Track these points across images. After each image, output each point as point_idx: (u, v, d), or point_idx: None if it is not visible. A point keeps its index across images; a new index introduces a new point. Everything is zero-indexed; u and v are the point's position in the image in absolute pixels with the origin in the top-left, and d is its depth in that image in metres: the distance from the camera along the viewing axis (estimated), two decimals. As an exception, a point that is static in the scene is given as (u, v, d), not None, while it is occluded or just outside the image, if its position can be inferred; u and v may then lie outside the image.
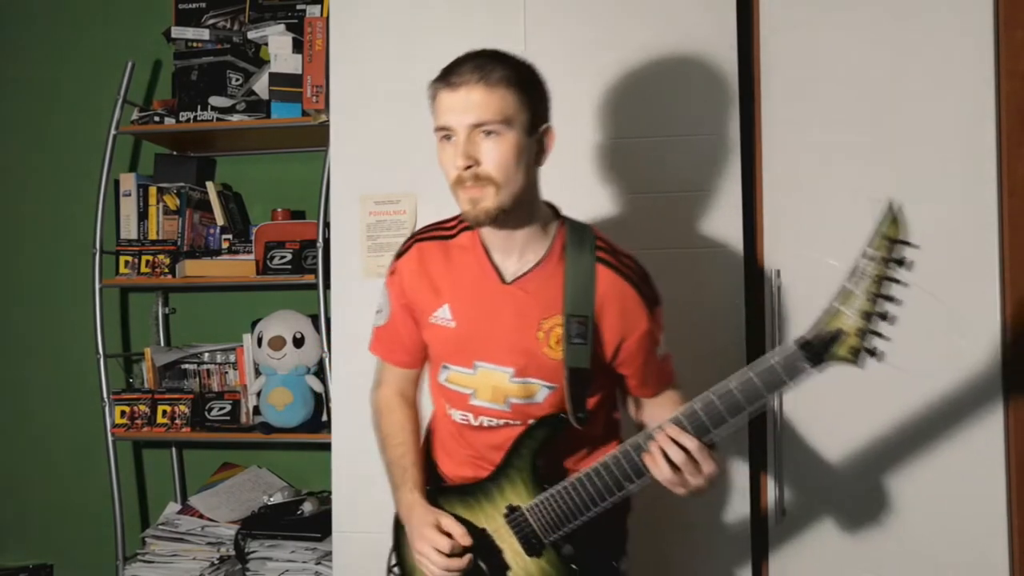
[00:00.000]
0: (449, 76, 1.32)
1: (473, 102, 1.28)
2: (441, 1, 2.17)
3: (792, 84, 1.98)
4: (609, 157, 2.09)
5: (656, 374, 1.50)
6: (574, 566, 1.40)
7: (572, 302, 1.37)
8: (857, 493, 1.83)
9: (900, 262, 1.15)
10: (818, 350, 1.20)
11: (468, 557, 1.41)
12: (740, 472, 2.04)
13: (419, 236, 1.52)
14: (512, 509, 1.43)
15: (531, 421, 1.43)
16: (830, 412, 1.90)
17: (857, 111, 1.83)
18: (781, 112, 2.00)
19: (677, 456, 1.26)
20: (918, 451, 1.73)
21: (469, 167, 1.30)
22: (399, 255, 1.53)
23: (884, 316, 1.16)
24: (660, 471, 1.28)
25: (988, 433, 1.61)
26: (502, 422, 1.44)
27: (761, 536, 2.02)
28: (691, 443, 1.26)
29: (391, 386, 1.58)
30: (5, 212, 3.00)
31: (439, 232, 1.51)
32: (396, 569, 1.58)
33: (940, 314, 1.69)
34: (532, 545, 1.41)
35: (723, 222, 2.06)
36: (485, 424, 1.45)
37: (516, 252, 1.42)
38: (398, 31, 2.18)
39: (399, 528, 1.55)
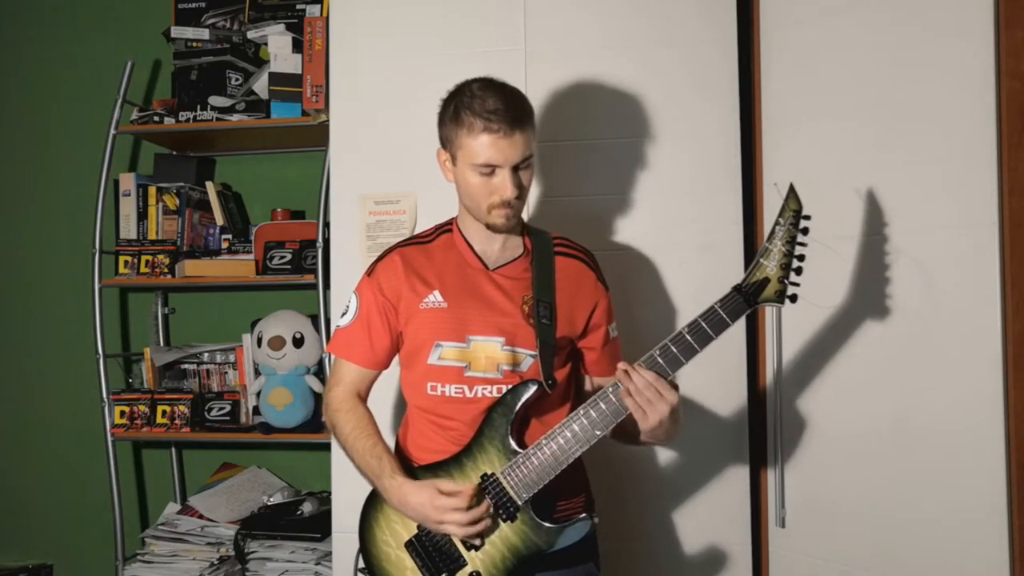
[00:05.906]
0: (490, 121, 1.46)
1: (518, 146, 1.48)
2: (441, 1, 2.17)
3: (792, 84, 1.98)
4: (608, 157, 2.09)
5: (610, 353, 1.66)
6: (596, 518, 1.53)
7: (539, 288, 1.58)
8: (857, 498, 1.83)
9: (805, 230, 1.43)
10: (750, 293, 1.43)
11: (486, 501, 1.48)
12: (740, 480, 2.04)
13: (397, 245, 1.67)
14: (486, 476, 1.50)
15: (505, 388, 1.53)
16: (831, 419, 1.90)
17: (857, 110, 1.83)
18: (781, 112, 2.00)
19: (639, 380, 1.40)
20: (918, 453, 1.73)
21: (518, 196, 1.51)
22: (378, 260, 1.64)
23: (798, 270, 1.44)
24: (629, 401, 1.42)
25: (988, 433, 1.61)
26: (497, 389, 1.54)
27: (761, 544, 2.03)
28: (649, 374, 1.41)
29: (348, 386, 1.65)
30: (5, 212, 3.00)
31: (417, 240, 1.68)
32: (364, 571, 1.61)
33: (940, 314, 1.69)
34: (507, 509, 1.49)
35: (723, 222, 2.06)
36: (480, 395, 1.55)
37: (498, 248, 1.61)
38: (398, 30, 2.18)
39: (365, 529, 1.60)
